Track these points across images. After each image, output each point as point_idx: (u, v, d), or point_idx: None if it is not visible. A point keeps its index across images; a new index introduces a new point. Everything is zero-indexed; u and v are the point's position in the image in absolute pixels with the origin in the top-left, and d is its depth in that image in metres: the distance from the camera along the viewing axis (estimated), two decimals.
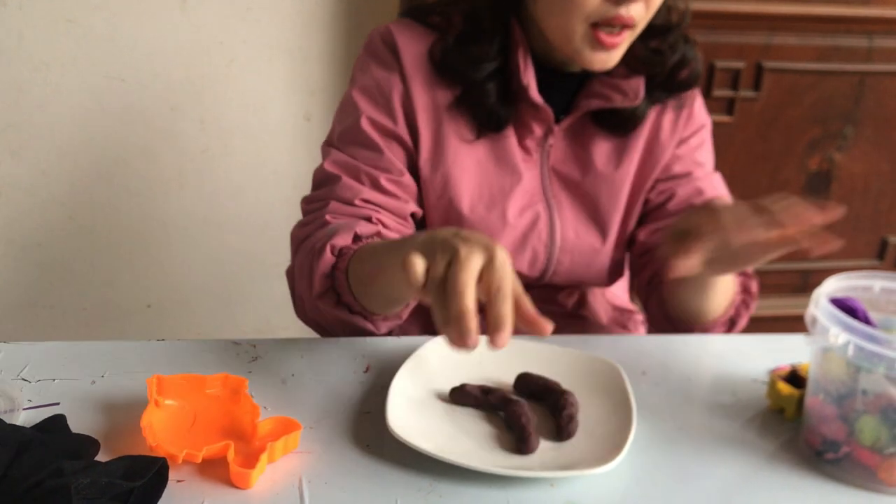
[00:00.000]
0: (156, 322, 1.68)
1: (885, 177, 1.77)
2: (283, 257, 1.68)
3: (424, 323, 1.02)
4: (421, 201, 0.95)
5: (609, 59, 0.86)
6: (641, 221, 1.01)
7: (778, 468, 0.71)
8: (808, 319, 0.71)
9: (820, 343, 0.70)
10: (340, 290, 0.81)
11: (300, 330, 0.87)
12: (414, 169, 0.93)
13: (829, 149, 1.72)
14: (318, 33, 1.54)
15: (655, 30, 0.91)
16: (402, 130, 0.92)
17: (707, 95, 1.62)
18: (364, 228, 0.84)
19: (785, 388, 0.78)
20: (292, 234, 0.91)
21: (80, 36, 1.44)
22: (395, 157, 0.91)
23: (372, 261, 0.77)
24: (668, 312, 0.97)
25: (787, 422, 0.77)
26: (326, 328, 0.87)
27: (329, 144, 0.94)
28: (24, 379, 0.75)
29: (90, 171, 1.54)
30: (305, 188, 1.64)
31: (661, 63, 0.92)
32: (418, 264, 0.61)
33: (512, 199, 0.94)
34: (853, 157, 1.74)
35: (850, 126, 1.70)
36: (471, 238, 0.62)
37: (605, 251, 0.98)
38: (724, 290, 0.91)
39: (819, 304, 0.70)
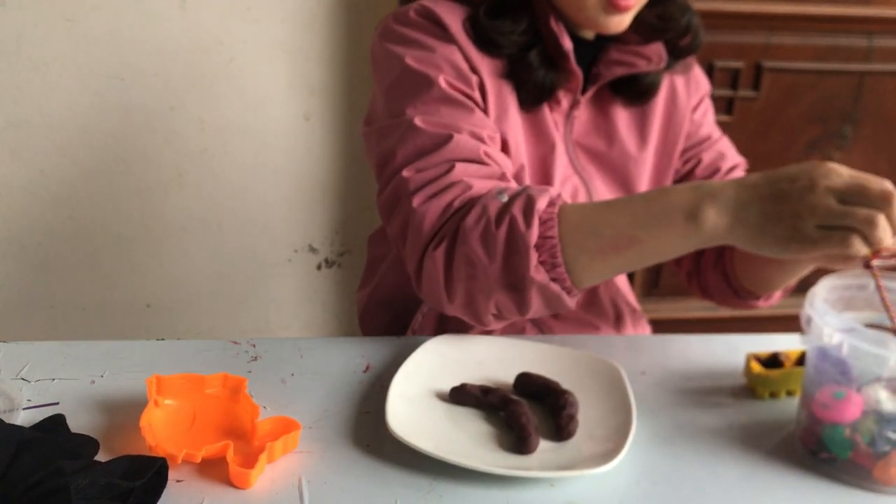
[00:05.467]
0: (155, 322, 1.68)
1: (885, 177, 1.76)
2: (283, 257, 1.69)
3: (437, 324, 1.01)
4: None
5: (622, 21, 0.85)
6: None
7: (776, 468, 0.71)
8: (802, 319, 0.71)
9: (814, 342, 0.70)
10: (553, 262, 0.72)
11: (300, 330, 0.87)
12: None
13: (829, 148, 1.72)
14: (318, 33, 1.54)
15: None
16: (478, 97, 0.85)
17: None
18: (553, 190, 0.75)
19: (756, 367, 0.81)
20: (419, 208, 0.77)
21: (80, 36, 1.44)
22: (483, 116, 0.85)
23: (612, 230, 0.70)
24: (737, 286, 0.98)
25: (759, 401, 0.81)
26: (503, 311, 0.76)
27: (396, 116, 0.83)
28: (23, 378, 0.75)
29: (90, 171, 1.54)
30: (305, 188, 1.63)
31: (670, 28, 0.93)
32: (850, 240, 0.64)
33: (555, 170, 0.92)
34: (853, 156, 1.74)
35: (849, 126, 1.70)
36: (802, 170, 0.66)
37: None
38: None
39: (814, 303, 0.70)
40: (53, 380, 0.75)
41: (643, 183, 0.99)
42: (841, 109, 1.68)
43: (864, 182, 0.64)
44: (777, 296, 0.99)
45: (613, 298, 1.06)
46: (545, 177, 0.92)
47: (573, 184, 0.95)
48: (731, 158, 1.04)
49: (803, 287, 0.74)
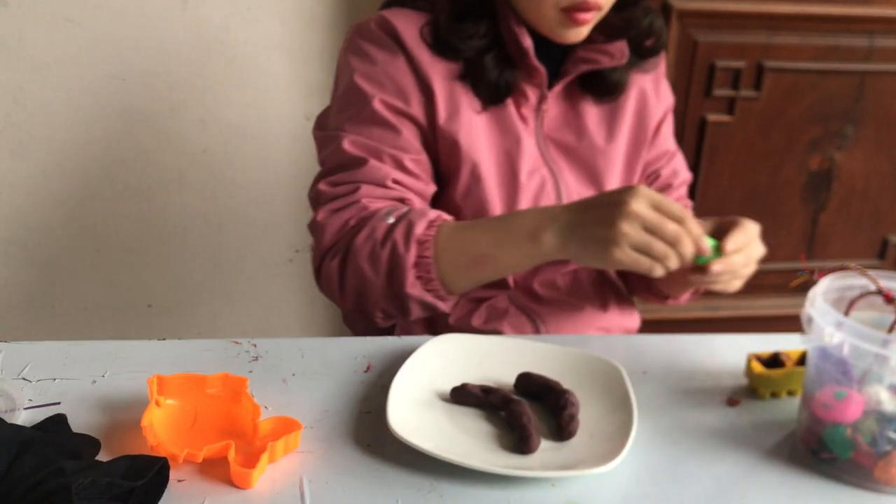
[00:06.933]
0: (156, 322, 1.68)
1: (885, 176, 1.77)
2: (284, 257, 1.69)
3: (427, 322, 1.02)
4: (438, 176, 0.97)
5: (580, 32, 0.92)
6: None
7: (776, 467, 0.71)
8: (803, 319, 0.71)
9: (815, 342, 0.70)
10: (429, 277, 0.85)
11: (301, 329, 0.88)
12: (430, 146, 0.95)
13: (830, 148, 1.72)
14: (318, 33, 1.54)
15: (625, 2, 0.97)
16: (416, 110, 0.93)
17: (707, 95, 1.61)
18: (432, 213, 0.86)
19: (757, 367, 0.81)
20: (322, 221, 0.90)
21: (80, 36, 1.44)
22: (411, 136, 0.93)
23: (475, 248, 0.84)
24: (654, 289, 1.07)
25: (761, 400, 0.81)
26: (390, 315, 0.89)
27: (336, 129, 0.93)
28: (24, 378, 0.75)
29: (90, 171, 1.54)
30: (306, 187, 1.64)
31: (633, 29, 0.98)
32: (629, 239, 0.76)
33: (520, 162, 0.97)
34: (853, 156, 1.73)
35: (850, 125, 1.70)
36: (611, 197, 0.78)
37: None
38: None
39: (815, 303, 0.70)
40: (55, 380, 0.76)
41: (612, 175, 1.03)
42: (842, 109, 1.68)
43: (659, 222, 0.76)
44: (686, 297, 1.06)
45: (597, 283, 1.08)
46: (511, 170, 0.97)
47: (541, 175, 0.99)
48: (681, 175, 1.12)
49: (804, 287, 0.74)
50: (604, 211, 0.78)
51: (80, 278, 1.61)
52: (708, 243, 0.79)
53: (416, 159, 0.93)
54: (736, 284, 0.89)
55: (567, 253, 0.81)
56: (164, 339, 0.84)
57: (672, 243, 0.76)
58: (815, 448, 0.71)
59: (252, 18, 1.50)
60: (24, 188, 1.52)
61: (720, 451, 0.73)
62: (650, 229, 0.76)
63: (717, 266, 0.81)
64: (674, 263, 0.77)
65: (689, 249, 0.77)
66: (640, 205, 0.76)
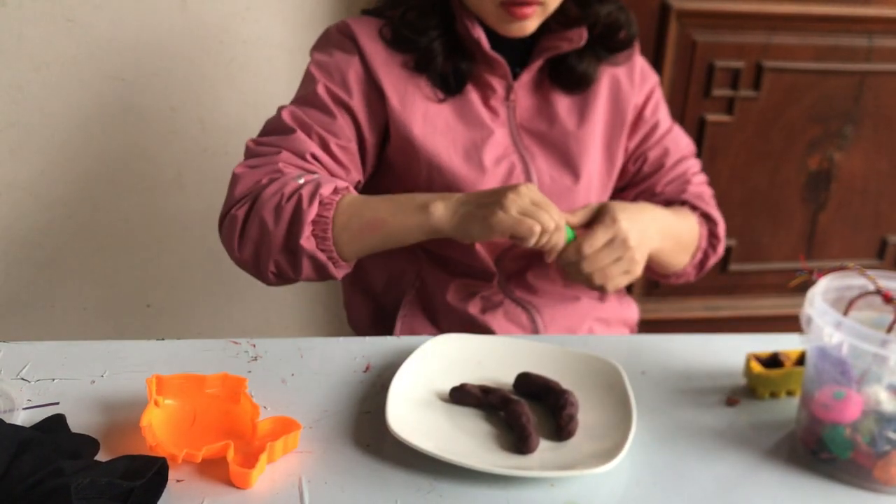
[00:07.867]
0: (155, 321, 1.68)
1: (885, 176, 1.77)
2: None
3: (428, 317, 1.03)
4: (365, 166, 1.02)
5: (524, 27, 0.95)
6: (623, 188, 1.11)
7: (776, 468, 0.71)
8: (803, 319, 0.71)
9: (815, 342, 0.70)
10: (324, 236, 0.88)
11: (300, 329, 0.88)
12: (365, 141, 0.99)
13: (829, 148, 1.72)
14: (318, 33, 1.54)
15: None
16: (357, 104, 0.98)
17: (706, 95, 1.61)
18: (341, 183, 0.91)
19: (756, 367, 0.81)
20: (238, 173, 0.94)
21: (80, 36, 1.44)
22: (346, 125, 0.98)
23: (371, 214, 0.88)
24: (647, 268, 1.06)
25: (760, 400, 0.81)
26: (281, 271, 0.92)
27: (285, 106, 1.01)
28: (23, 378, 0.75)
29: (90, 170, 1.54)
30: None
31: (591, 17, 1.00)
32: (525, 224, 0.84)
33: (486, 150, 1.00)
34: (853, 156, 1.73)
35: (849, 125, 1.70)
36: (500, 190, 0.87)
37: (579, 190, 1.04)
38: (688, 246, 1.06)
39: (814, 303, 0.70)
40: (53, 380, 0.76)
41: (588, 159, 1.04)
42: (841, 109, 1.68)
43: (547, 203, 0.86)
44: (689, 274, 1.10)
45: None
46: (477, 157, 0.99)
47: (510, 162, 1.01)
48: (675, 153, 1.11)
49: (803, 287, 0.74)
50: (496, 192, 0.86)
51: (79, 278, 1.61)
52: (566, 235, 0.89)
53: (343, 146, 0.97)
54: (607, 284, 0.92)
55: (454, 222, 0.87)
56: (163, 339, 0.84)
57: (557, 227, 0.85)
58: (814, 448, 0.71)
59: (252, 18, 1.50)
60: (23, 188, 1.52)
61: (719, 451, 0.73)
62: (537, 205, 0.85)
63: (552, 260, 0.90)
64: (546, 237, 0.86)
65: (562, 237, 0.87)
66: (531, 188, 0.86)
